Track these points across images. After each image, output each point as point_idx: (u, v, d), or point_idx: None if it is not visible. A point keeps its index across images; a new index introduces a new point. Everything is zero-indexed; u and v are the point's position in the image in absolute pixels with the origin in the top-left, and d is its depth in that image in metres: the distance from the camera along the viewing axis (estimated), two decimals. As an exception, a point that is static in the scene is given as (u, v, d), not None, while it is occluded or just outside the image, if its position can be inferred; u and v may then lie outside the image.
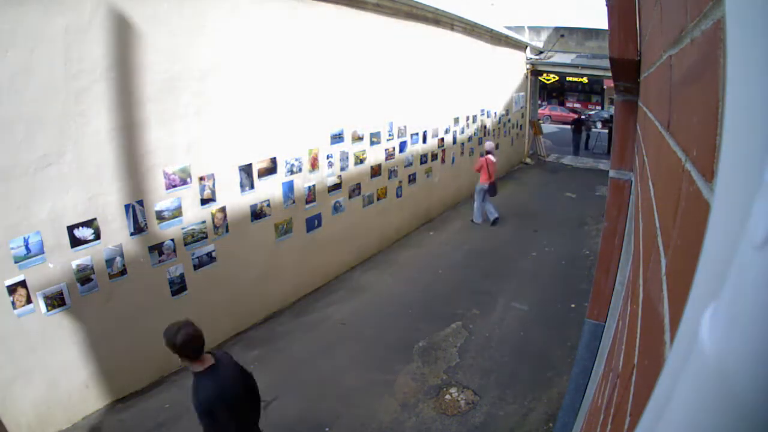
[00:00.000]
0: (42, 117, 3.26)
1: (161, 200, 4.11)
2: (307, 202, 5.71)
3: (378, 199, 7.07)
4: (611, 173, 2.30)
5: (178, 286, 4.39)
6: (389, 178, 7.24)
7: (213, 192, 4.53)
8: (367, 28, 6.25)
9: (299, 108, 5.33)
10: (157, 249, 4.14)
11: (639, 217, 1.14)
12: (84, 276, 3.65)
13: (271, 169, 5.11)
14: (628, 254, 1.78)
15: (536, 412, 4.03)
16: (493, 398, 4.19)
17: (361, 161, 6.51)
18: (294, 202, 5.50)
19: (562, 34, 14.80)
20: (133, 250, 3.96)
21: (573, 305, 5.71)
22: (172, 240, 4.25)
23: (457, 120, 9.14)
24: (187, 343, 2.20)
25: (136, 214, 3.94)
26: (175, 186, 4.19)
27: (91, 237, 3.66)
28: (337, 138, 5.99)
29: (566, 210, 9.57)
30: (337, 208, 6.23)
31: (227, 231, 4.74)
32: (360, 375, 4.47)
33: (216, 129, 4.46)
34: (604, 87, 23.18)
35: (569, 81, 24.42)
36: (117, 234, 3.83)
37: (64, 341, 3.63)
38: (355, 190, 6.52)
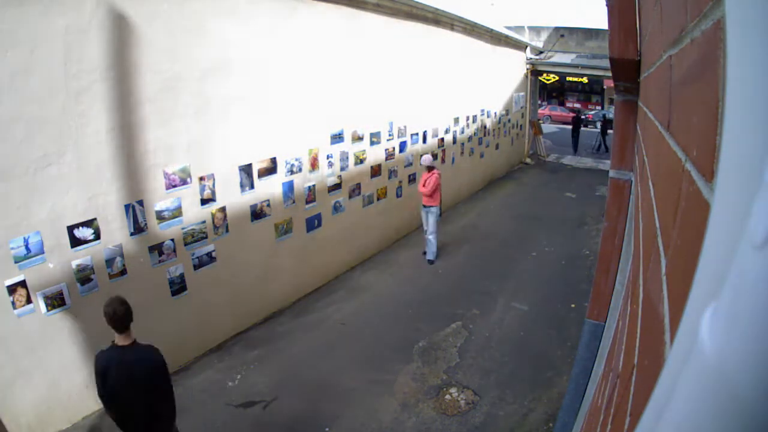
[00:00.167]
0: (42, 117, 3.26)
1: (161, 200, 4.11)
2: (307, 202, 5.71)
3: (378, 199, 7.08)
4: (611, 173, 2.30)
5: (178, 286, 4.39)
6: (389, 178, 7.24)
7: (213, 192, 4.53)
8: (367, 28, 6.25)
9: (299, 108, 5.33)
10: (157, 249, 4.14)
11: (639, 217, 1.14)
12: (84, 276, 3.65)
13: (271, 169, 5.11)
14: (628, 254, 1.78)
15: (536, 412, 4.03)
16: (493, 398, 4.19)
17: (361, 161, 6.51)
18: (294, 202, 5.50)
19: (562, 34, 14.81)
20: (133, 250, 3.96)
21: (573, 305, 5.71)
22: (172, 240, 4.25)
23: (457, 120, 9.14)
24: (107, 317, 2.54)
25: (136, 214, 3.94)
26: (175, 186, 4.19)
27: (91, 237, 3.66)
28: (337, 138, 5.99)
29: (566, 210, 9.57)
30: (337, 208, 6.23)
31: (227, 231, 4.74)
32: (360, 375, 4.47)
33: (216, 129, 4.46)
34: (604, 87, 23.19)
35: (569, 81, 24.44)
36: (117, 234, 3.83)
37: (64, 341, 3.63)
38: (355, 190, 6.52)
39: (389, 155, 7.11)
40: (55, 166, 3.39)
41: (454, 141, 9.21)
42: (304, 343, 4.95)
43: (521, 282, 6.38)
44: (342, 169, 6.16)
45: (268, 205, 5.16)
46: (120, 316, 2.54)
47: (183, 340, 4.56)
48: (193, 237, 4.42)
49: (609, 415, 0.88)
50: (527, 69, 13.44)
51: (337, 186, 6.14)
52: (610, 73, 2.41)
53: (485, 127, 10.70)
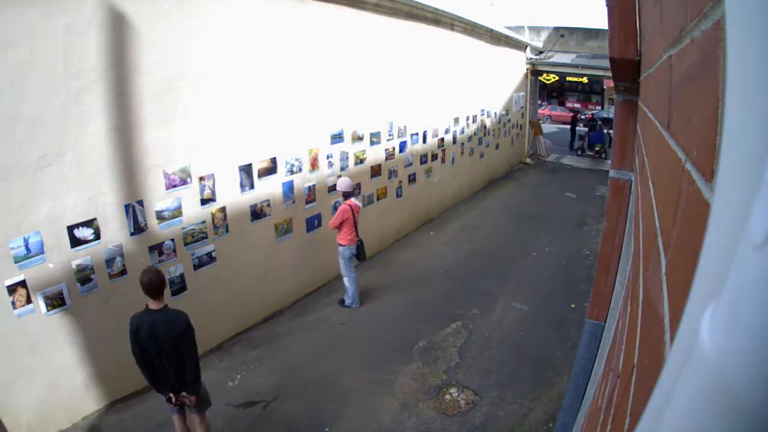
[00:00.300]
0: (42, 117, 3.26)
1: (161, 200, 4.11)
2: (307, 202, 5.71)
3: (378, 199, 7.08)
4: (611, 173, 2.30)
5: (178, 286, 4.39)
6: (389, 178, 7.24)
7: (213, 192, 4.53)
8: (367, 27, 6.25)
9: (299, 108, 5.33)
10: (157, 249, 4.14)
11: (639, 217, 1.14)
12: (84, 276, 3.65)
13: (271, 169, 5.11)
14: (628, 254, 1.78)
15: (536, 412, 4.03)
16: (493, 398, 4.19)
17: (361, 161, 6.52)
18: (294, 202, 5.50)
19: (562, 34, 14.80)
20: (133, 250, 3.96)
21: (573, 305, 5.71)
22: (172, 240, 4.25)
23: (457, 120, 9.14)
24: (144, 286, 2.96)
25: (136, 214, 3.94)
26: (175, 186, 4.19)
27: (91, 237, 3.66)
28: (337, 138, 5.99)
29: (566, 210, 9.57)
30: (337, 207, 6.22)
31: (227, 231, 4.74)
32: (360, 375, 4.47)
33: (216, 129, 4.46)
34: (604, 87, 23.18)
35: (569, 81, 24.42)
36: (117, 234, 3.83)
37: (64, 341, 3.63)
38: (355, 190, 6.52)
39: (389, 155, 7.11)
40: (55, 166, 3.39)
41: (454, 141, 9.21)
42: (304, 343, 4.95)
43: (521, 282, 6.38)
44: (342, 169, 6.16)
45: (268, 205, 5.16)
46: (156, 284, 2.96)
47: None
48: (193, 237, 4.42)
49: (609, 415, 0.88)
50: (527, 69, 13.44)
51: (337, 186, 6.14)
52: (610, 73, 2.41)
53: (485, 127, 10.70)
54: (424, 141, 8.04)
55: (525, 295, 6.03)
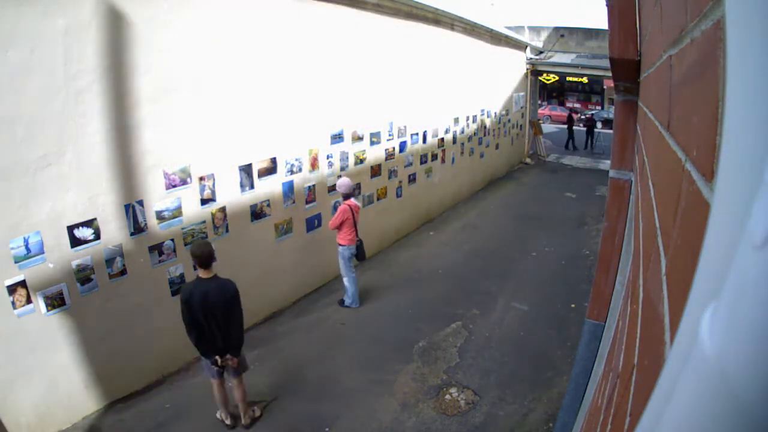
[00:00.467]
0: (42, 117, 3.26)
1: (161, 200, 4.11)
2: (307, 202, 5.71)
3: (378, 199, 7.08)
4: (611, 173, 2.30)
5: (178, 286, 4.39)
6: (389, 178, 7.24)
7: (213, 192, 4.53)
8: (368, 28, 6.25)
9: (299, 108, 5.33)
10: (157, 249, 4.14)
11: (639, 217, 1.14)
12: (84, 276, 3.65)
13: (271, 169, 5.12)
14: (628, 254, 1.78)
15: (536, 412, 4.03)
16: (493, 398, 4.19)
17: (361, 161, 6.51)
18: (294, 202, 5.50)
19: (562, 34, 14.80)
20: (133, 250, 3.96)
21: (573, 305, 5.71)
22: (172, 240, 4.25)
23: (457, 120, 9.14)
24: (196, 257, 3.31)
25: (136, 214, 3.94)
26: (175, 186, 4.19)
27: (91, 237, 3.66)
28: (337, 138, 5.99)
29: (566, 210, 9.57)
30: (337, 208, 6.22)
31: (227, 231, 4.74)
32: (360, 375, 4.47)
33: (216, 129, 4.46)
34: (604, 87, 23.19)
35: (569, 81, 24.43)
36: (117, 234, 3.83)
37: (64, 341, 3.63)
38: (355, 190, 6.52)
39: (389, 155, 7.11)
40: (55, 166, 3.39)
41: (454, 141, 9.21)
42: (304, 343, 4.95)
43: (521, 282, 6.38)
44: (342, 169, 6.16)
45: (268, 205, 5.16)
46: (207, 256, 3.31)
47: (183, 339, 4.55)
48: (193, 237, 4.42)
49: (609, 415, 0.88)
50: (527, 69, 13.43)
51: (337, 186, 6.14)
52: (610, 73, 2.41)
53: (485, 127, 10.70)
54: (424, 141, 8.04)
55: (525, 295, 6.02)
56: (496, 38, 10.74)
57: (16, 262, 3.27)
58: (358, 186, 6.54)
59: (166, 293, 4.30)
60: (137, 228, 3.96)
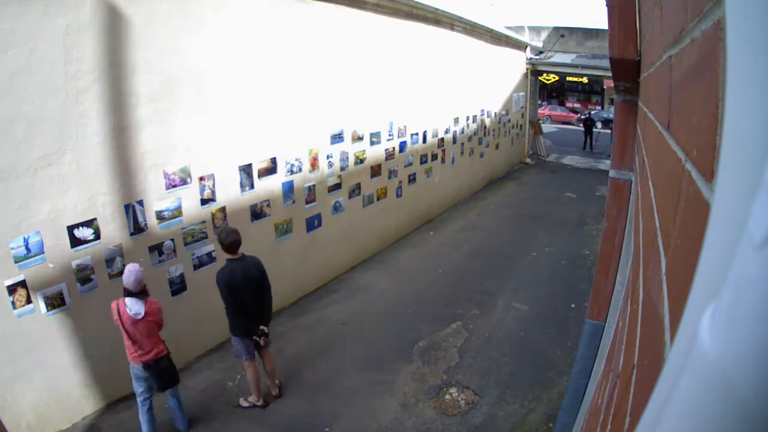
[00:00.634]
0: (42, 117, 3.26)
1: (161, 200, 4.11)
2: (307, 202, 5.71)
3: (378, 199, 7.08)
4: (611, 173, 2.30)
5: (178, 286, 4.39)
6: (389, 178, 7.24)
7: (213, 192, 4.53)
8: (368, 27, 6.25)
9: (299, 108, 5.33)
10: (157, 249, 4.14)
11: (639, 217, 1.14)
12: (84, 276, 3.65)
13: (271, 169, 5.12)
14: (628, 254, 1.78)
15: (536, 412, 4.03)
16: (493, 398, 4.19)
17: (361, 161, 6.52)
18: (294, 202, 5.50)
19: (562, 34, 14.80)
20: (133, 250, 3.96)
21: (573, 305, 5.71)
22: (172, 240, 4.25)
23: (457, 120, 9.14)
24: (227, 244, 3.59)
25: (136, 214, 3.94)
26: (175, 186, 4.19)
27: (91, 237, 3.66)
28: (337, 138, 5.99)
29: (566, 210, 9.57)
30: (337, 208, 6.23)
31: (227, 231, 4.74)
32: (360, 375, 4.47)
33: (216, 129, 4.46)
34: (604, 87, 23.18)
35: (569, 81, 24.43)
36: (117, 234, 3.83)
37: (64, 341, 3.63)
38: (355, 190, 6.52)
39: (389, 155, 7.11)
40: (55, 166, 3.39)
41: (454, 141, 9.21)
42: (303, 343, 4.95)
43: (521, 282, 6.38)
44: (342, 169, 6.17)
45: (268, 205, 5.16)
46: (238, 242, 3.61)
47: (183, 340, 4.56)
48: (193, 237, 4.42)
49: (609, 415, 0.88)
50: (527, 69, 13.44)
51: (337, 186, 6.14)
52: (610, 73, 2.41)
53: (485, 127, 10.70)
54: (424, 141, 8.04)
55: (525, 295, 6.03)
56: (496, 38, 10.74)
57: (16, 262, 3.27)
58: (358, 186, 6.54)
59: (167, 293, 4.30)
60: (137, 228, 3.96)
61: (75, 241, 3.56)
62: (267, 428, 3.87)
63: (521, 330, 5.25)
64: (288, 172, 5.34)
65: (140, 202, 3.95)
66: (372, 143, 6.66)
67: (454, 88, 8.80)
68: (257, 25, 4.71)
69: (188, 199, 4.32)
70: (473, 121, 9.97)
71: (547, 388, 4.32)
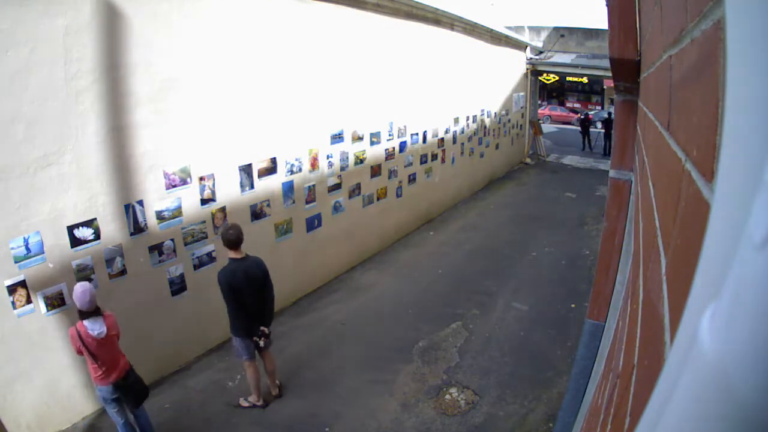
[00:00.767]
0: (42, 117, 3.26)
1: (161, 200, 4.11)
2: (307, 202, 5.71)
3: (378, 199, 7.08)
4: (611, 173, 2.30)
5: (178, 286, 4.39)
6: (389, 178, 7.24)
7: (213, 192, 4.53)
8: (367, 27, 6.25)
9: (299, 108, 5.33)
10: (157, 249, 4.14)
11: (639, 217, 1.14)
12: (84, 276, 3.65)
13: (271, 169, 5.12)
14: (628, 254, 1.78)
15: (536, 412, 4.03)
16: (493, 398, 4.19)
17: (361, 161, 6.52)
18: (294, 202, 5.50)
19: (562, 34, 14.80)
20: (133, 250, 3.96)
21: (573, 305, 5.71)
22: (172, 240, 4.25)
23: (457, 120, 9.15)
24: (229, 240, 3.59)
25: (136, 214, 3.94)
26: (175, 186, 4.19)
27: (91, 237, 3.66)
28: (337, 138, 5.99)
29: (566, 210, 9.57)
30: (337, 208, 6.23)
31: (227, 231, 4.74)
32: (360, 375, 4.47)
33: (216, 129, 4.46)
34: (604, 87, 23.18)
35: (569, 81, 24.42)
36: (117, 234, 3.83)
37: (64, 341, 3.62)
38: (355, 190, 6.52)
39: (389, 155, 7.11)
40: (55, 166, 3.39)
41: (454, 141, 9.21)
42: (304, 343, 4.95)
43: (521, 282, 6.38)
44: (342, 169, 6.17)
45: (268, 205, 5.16)
46: (240, 238, 3.62)
47: (183, 339, 4.56)
48: (193, 237, 4.42)
49: (609, 415, 0.88)
50: (527, 69, 13.43)
51: (337, 186, 6.14)
52: (610, 73, 2.41)
53: (485, 127, 10.70)
54: (424, 141, 8.04)
55: (525, 295, 6.03)
56: (496, 38, 10.74)
57: (16, 262, 3.27)
58: (358, 186, 6.53)
59: (166, 293, 4.30)
60: (137, 228, 3.96)
61: (75, 241, 3.56)
62: (267, 428, 3.87)
63: (521, 330, 5.25)
64: (288, 172, 5.34)
65: (140, 202, 3.95)
66: (372, 143, 6.66)
67: (454, 88, 8.80)
68: (257, 25, 4.71)
69: (188, 199, 4.32)
70: (473, 121, 9.97)
71: (547, 388, 4.32)
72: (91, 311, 3.07)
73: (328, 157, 5.90)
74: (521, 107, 13.33)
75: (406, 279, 6.44)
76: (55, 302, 3.52)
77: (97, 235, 3.70)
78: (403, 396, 4.21)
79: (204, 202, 4.47)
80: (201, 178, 4.39)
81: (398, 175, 7.46)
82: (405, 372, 4.52)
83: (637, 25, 1.83)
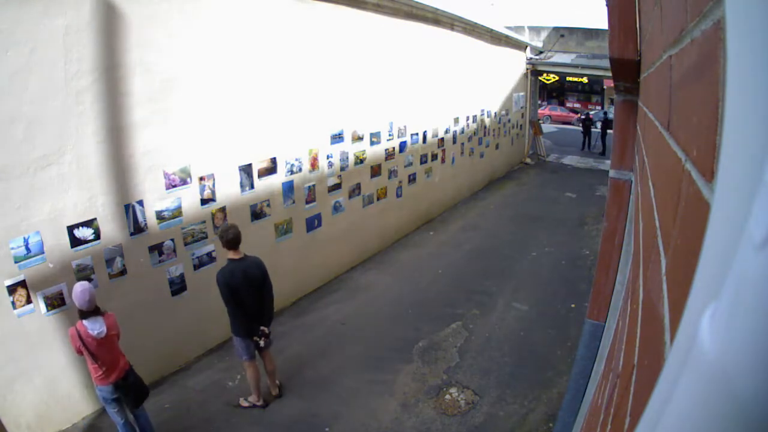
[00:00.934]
0: (42, 117, 3.26)
1: (161, 200, 4.11)
2: (307, 202, 5.71)
3: (378, 199, 7.08)
4: (611, 173, 2.30)
5: (178, 286, 4.39)
6: (389, 178, 7.24)
7: (213, 192, 4.53)
8: (367, 27, 6.25)
9: (299, 108, 5.33)
10: (157, 249, 4.14)
11: (639, 217, 1.14)
12: (84, 276, 3.65)
13: (271, 169, 5.12)
14: (628, 254, 1.78)
15: (536, 412, 4.03)
16: (493, 398, 4.19)
17: (361, 161, 6.52)
18: (294, 202, 5.50)
19: (562, 34, 14.80)
20: (133, 250, 3.96)
21: (573, 305, 5.71)
22: (172, 240, 4.25)
23: (457, 120, 9.15)
24: (227, 239, 3.61)
25: (136, 214, 3.94)
26: (175, 186, 4.19)
27: (91, 237, 3.66)
28: (337, 138, 5.99)
29: (566, 210, 9.57)
30: (337, 208, 6.23)
31: (227, 231, 4.74)
32: (360, 375, 4.47)
33: (216, 129, 4.46)
34: (604, 87, 23.18)
35: (569, 81, 24.42)
36: (117, 234, 3.83)
37: (64, 341, 3.62)
38: (355, 190, 6.52)
39: (389, 155, 7.11)
40: (55, 166, 3.39)
41: (454, 141, 9.21)
42: (303, 343, 4.95)
43: (521, 282, 6.38)
44: (342, 169, 6.17)
45: (268, 205, 5.17)
46: (238, 238, 3.65)
47: (183, 339, 4.56)
48: (193, 237, 4.42)
49: (609, 415, 0.88)
50: (527, 69, 13.43)
51: (337, 186, 6.14)
52: (610, 73, 2.41)
53: (485, 127, 10.70)
54: (424, 141, 8.04)
55: (525, 295, 6.03)
56: (496, 38, 10.74)
57: (16, 262, 3.27)
58: (358, 186, 6.53)
59: (166, 293, 4.30)
60: (137, 228, 3.96)
61: (75, 241, 3.56)
62: (267, 428, 3.87)
63: (521, 330, 5.25)
64: (288, 172, 5.34)
65: (140, 202, 3.95)
66: (372, 143, 6.66)
67: (454, 88, 8.80)
68: (257, 25, 4.71)
69: (188, 199, 4.32)
70: (473, 121, 9.97)
71: (547, 388, 4.32)
72: (91, 311, 3.07)
73: (328, 157, 5.90)
74: (521, 107, 13.33)
75: (406, 279, 6.44)
76: (55, 302, 3.52)
77: (97, 235, 3.70)
78: (403, 396, 4.21)
79: (204, 202, 4.47)
80: (201, 178, 4.39)
81: (398, 175, 7.46)
82: (405, 372, 4.52)
83: (637, 25, 1.83)
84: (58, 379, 3.66)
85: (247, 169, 4.84)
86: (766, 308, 0.17)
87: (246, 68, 4.66)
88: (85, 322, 3.06)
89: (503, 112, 11.79)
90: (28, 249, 3.31)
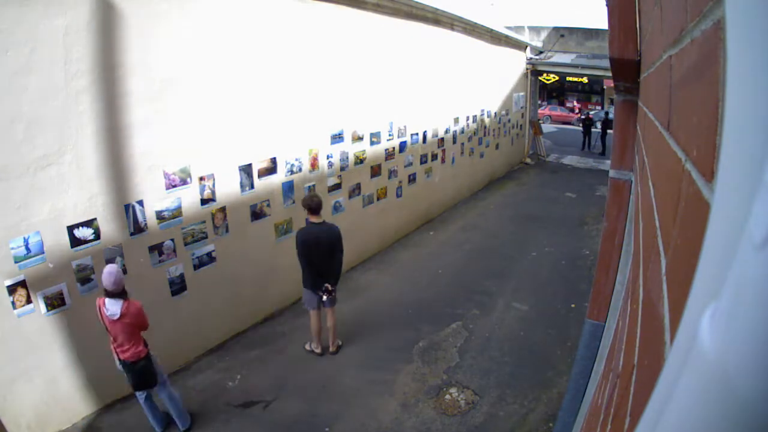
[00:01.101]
0: (42, 117, 3.26)
1: (161, 200, 4.11)
2: (307, 202, 5.71)
3: (378, 199, 7.07)
4: (611, 173, 2.30)
5: (178, 286, 4.39)
6: (389, 178, 7.24)
7: (213, 192, 4.53)
8: (367, 27, 6.25)
9: (299, 108, 5.33)
10: (157, 249, 4.14)
11: (639, 217, 1.14)
12: (84, 276, 3.65)
13: (271, 169, 5.12)
14: (628, 254, 1.78)
15: (536, 412, 4.03)
16: (493, 398, 4.19)
17: (361, 161, 6.51)
18: (294, 202, 5.49)
19: (562, 34, 14.80)
20: (133, 250, 3.96)
21: (573, 305, 5.71)
22: (172, 240, 4.25)
23: (457, 120, 9.14)
24: (311, 205, 4.26)
25: (136, 214, 3.94)
26: (175, 186, 4.19)
27: (91, 237, 3.66)
28: (337, 138, 5.99)
29: (566, 210, 9.57)
30: (337, 208, 6.23)
31: (227, 231, 4.74)
32: (360, 375, 4.47)
33: (216, 129, 4.46)
34: (604, 87, 23.19)
35: (569, 81, 24.43)
36: (117, 234, 3.83)
37: (64, 341, 3.63)
38: (355, 190, 6.52)
39: (389, 155, 7.11)
40: (55, 166, 3.39)
41: (454, 141, 9.21)
42: (304, 343, 4.95)
43: (521, 282, 6.38)
44: (342, 169, 6.16)
45: (268, 205, 5.17)
46: (319, 204, 4.27)
47: (183, 339, 4.56)
48: (193, 237, 4.42)
49: (609, 415, 0.88)
50: (527, 69, 13.43)
51: (337, 186, 6.14)
52: (610, 73, 2.41)
53: (485, 127, 10.70)
54: (424, 141, 8.04)
55: (525, 295, 6.03)
56: (496, 38, 10.74)
57: (16, 262, 3.27)
58: (358, 186, 6.53)
59: (166, 293, 4.30)
60: (137, 228, 3.96)
61: (75, 241, 3.56)
62: (267, 428, 3.87)
63: (521, 330, 5.25)
64: (288, 172, 5.34)
65: (140, 202, 3.95)
66: (372, 143, 6.66)
67: (454, 88, 8.80)
68: (257, 25, 4.70)
69: (188, 199, 4.32)
70: (473, 121, 9.96)
71: (547, 388, 4.32)
72: (116, 293, 3.25)
73: (328, 157, 5.90)
74: (521, 107, 13.33)
75: (406, 279, 6.44)
76: (55, 302, 3.52)
77: (97, 235, 3.70)
78: (403, 396, 4.21)
79: (204, 202, 4.47)
80: (201, 178, 4.39)
81: (398, 175, 7.46)
82: (405, 372, 4.52)
83: (637, 25, 1.83)
84: (58, 379, 3.66)
85: (247, 169, 4.84)
86: (766, 308, 0.17)
87: (246, 68, 4.66)
88: (105, 300, 3.28)
89: (503, 112, 11.79)
90: (28, 249, 3.31)
